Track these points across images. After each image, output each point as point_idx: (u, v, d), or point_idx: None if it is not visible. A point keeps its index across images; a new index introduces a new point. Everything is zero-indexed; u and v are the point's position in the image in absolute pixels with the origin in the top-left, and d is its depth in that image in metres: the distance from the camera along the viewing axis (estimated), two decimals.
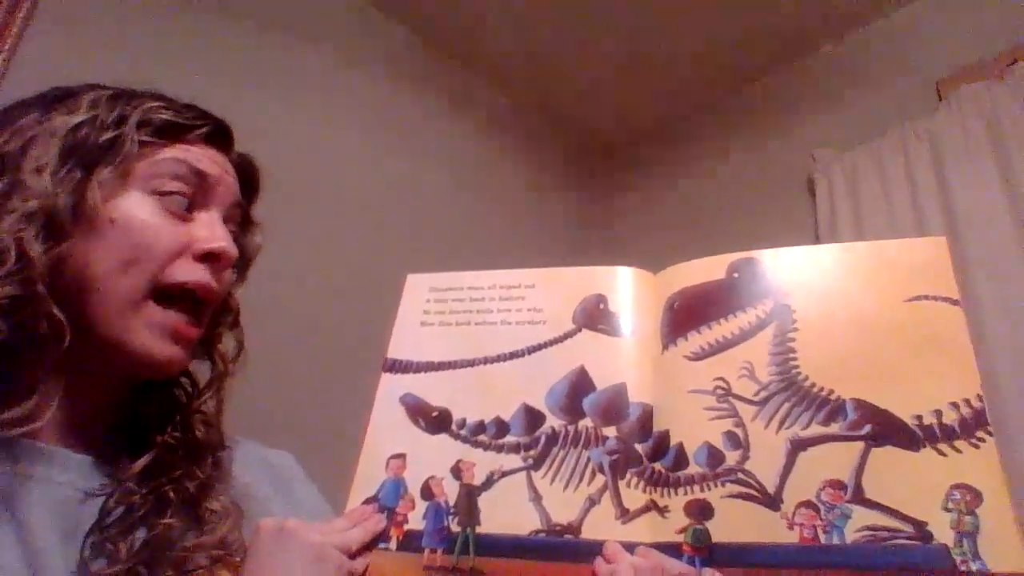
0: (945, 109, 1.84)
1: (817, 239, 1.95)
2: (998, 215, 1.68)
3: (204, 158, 0.66)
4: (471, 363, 0.64)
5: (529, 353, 0.63)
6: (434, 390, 0.64)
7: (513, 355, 0.64)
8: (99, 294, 0.59)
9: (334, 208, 1.84)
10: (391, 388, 0.65)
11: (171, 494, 0.60)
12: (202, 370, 0.69)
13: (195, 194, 0.65)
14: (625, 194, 2.63)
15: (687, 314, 0.61)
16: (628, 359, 0.61)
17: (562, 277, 0.68)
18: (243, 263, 0.73)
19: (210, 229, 0.64)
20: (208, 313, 0.66)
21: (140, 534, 0.58)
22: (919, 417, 0.52)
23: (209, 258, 0.63)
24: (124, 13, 1.56)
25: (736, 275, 0.62)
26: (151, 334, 0.60)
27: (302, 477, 0.75)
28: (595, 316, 0.64)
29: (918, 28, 1.99)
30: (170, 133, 0.65)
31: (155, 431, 0.64)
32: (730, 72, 2.33)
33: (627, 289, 0.65)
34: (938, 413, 0.52)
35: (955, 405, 0.52)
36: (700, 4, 2.10)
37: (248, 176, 0.74)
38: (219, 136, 0.70)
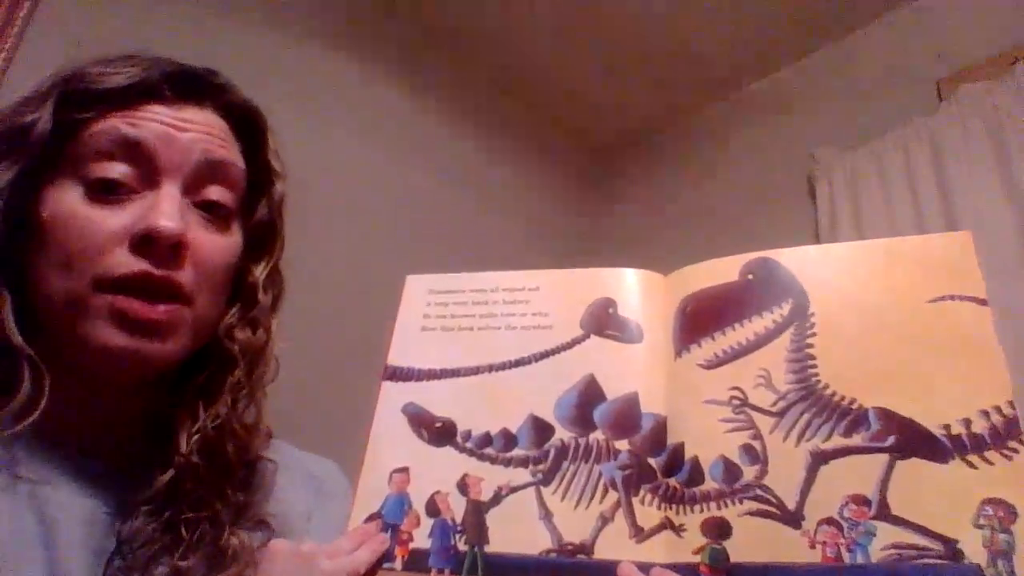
0: (945, 109, 1.84)
1: (817, 239, 1.95)
2: (998, 215, 1.67)
3: (140, 123, 0.56)
4: (475, 371, 0.61)
5: (536, 361, 0.60)
6: (437, 399, 0.61)
7: (519, 362, 0.61)
8: (45, 298, 0.54)
9: (331, 209, 1.82)
10: (392, 397, 0.62)
11: (183, 531, 0.54)
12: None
13: (135, 173, 0.55)
14: (625, 194, 2.62)
15: (700, 319, 0.58)
16: (639, 367, 0.58)
17: (568, 279, 0.65)
18: (264, 227, 0.64)
19: (146, 209, 0.54)
20: (182, 291, 0.55)
21: (161, 567, 0.53)
22: (947, 427, 0.49)
23: (146, 242, 0.53)
24: (126, 13, 1.54)
25: (751, 277, 0.59)
26: (102, 324, 0.53)
27: (343, 493, 0.67)
28: (604, 321, 0.61)
29: (918, 28, 1.99)
30: (107, 101, 0.55)
31: (179, 445, 0.56)
32: (730, 72, 2.32)
33: (637, 292, 0.62)
34: (967, 422, 0.49)
35: (985, 413, 0.48)
36: (700, 4, 2.09)
37: (245, 123, 0.63)
38: (179, 86, 0.59)
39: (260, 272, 0.63)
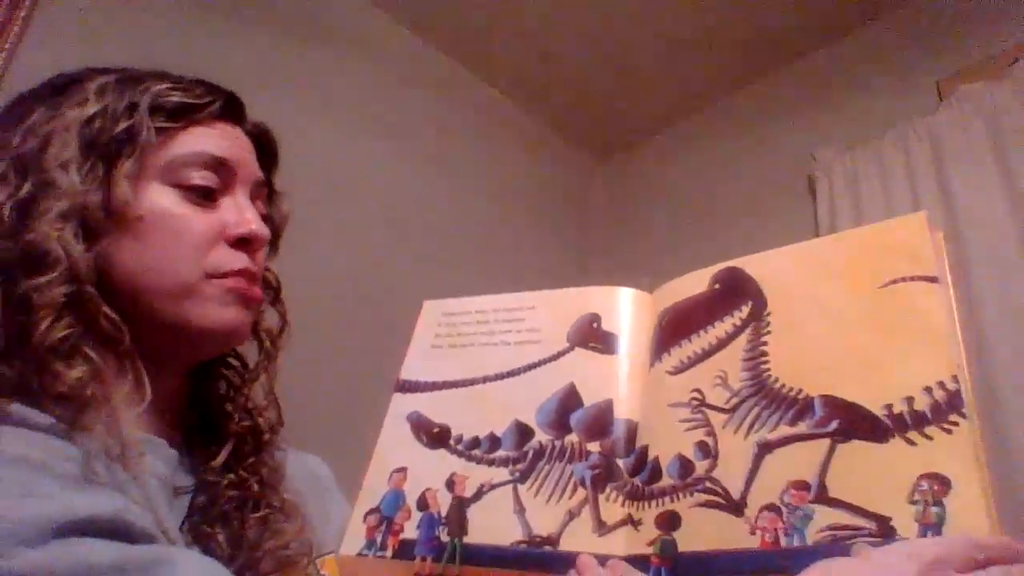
0: (945, 109, 1.83)
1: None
2: (999, 215, 1.67)
3: (222, 141, 0.65)
4: (471, 382, 0.67)
5: (524, 371, 0.65)
6: (437, 408, 0.67)
7: (510, 374, 0.66)
8: (148, 289, 0.60)
9: (328, 209, 1.84)
10: (400, 407, 0.69)
11: (254, 487, 0.63)
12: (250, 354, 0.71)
13: (219, 181, 0.64)
14: (625, 194, 2.63)
15: (672, 330, 0.62)
16: (617, 376, 0.62)
17: (561, 298, 0.70)
18: (273, 235, 0.72)
19: (238, 213, 0.64)
20: (259, 286, 0.66)
21: (227, 529, 0.60)
22: (889, 406, 0.49)
23: (243, 242, 0.63)
24: (127, 12, 1.57)
25: (717, 286, 0.62)
26: (213, 305, 0.61)
27: (335, 487, 0.78)
28: (588, 334, 0.65)
29: (918, 28, 1.98)
30: (183, 114, 0.64)
31: (226, 420, 0.65)
32: (730, 72, 2.33)
33: (621, 308, 0.66)
34: (909, 400, 0.48)
35: (928, 390, 0.48)
36: (700, 4, 2.09)
37: (264, 145, 0.73)
38: (231, 109, 0.69)
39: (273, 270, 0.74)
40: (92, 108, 0.60)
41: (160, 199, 0.61)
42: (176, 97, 0.64)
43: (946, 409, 0.47)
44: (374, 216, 1.97)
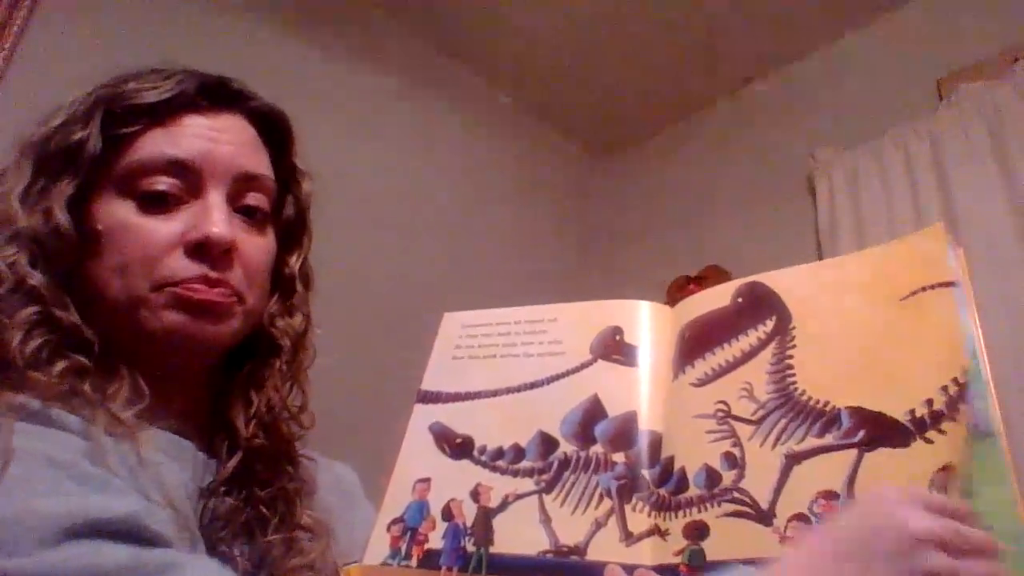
0: (945, 109, 1.84)
1: (817, 239, 1.96)
2: (999, 214, 1.68)
3: (184, 140, 0.61)
4: (494, 393, 0.67)
5: (548, 383, 0.66)
6: (460, 419, 0.67)
7: (533, 385, 0.66)
8: (109, 301, 0.59)
9: (329, 209, 1.83)
10: (422, 417, 0.68)
11: (263, 509, 0.60)
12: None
13: (181, 184, 0.60)
14: (625, 194, 2.63)
15: (695, 343, 0.62)
16: (640, 388, 0.62)
17: (583, 311, 0.70)
18: (293, 224, 0.69)
19: (197, 217, 0.60)
20: (235, 291, 0.61)
21: (245, 545, 0.59)
22: (911, 411, 0.50)
23: (202, 249, 0.59)
24: (127, 12, 1.56)
25: (740, 300, 0.63)
26: (165, 312, 0.58)
27: (361, 495, 0.76)
28: (611, 347, 0.65)
29: (918, 28, 1.99)
30: (139, 117, 0.60)
31: (235, 432, 0.63)
32: (730, 72, 2.33)
33: (643, 321, 0.67)
34: (929, 402, 0.50)
35: (944, 388, 0.49)
36: (699, 4, 2.09)
37: (272, 126, 0.69)
38: (214, 96, 0.64)
39: (294, 264, 0.70)
40: (52, 125, 0.60)
41: (117, 211, 0.59)
42: (131, 100, 0.60)
43: (957, 401, 0.49)
44: (374, 215, 1.96)
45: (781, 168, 2.14)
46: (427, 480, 0.64)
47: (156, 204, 0.59)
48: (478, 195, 2.27)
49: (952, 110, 1.82)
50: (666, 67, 2.34)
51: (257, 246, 0.64)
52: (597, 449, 0.60)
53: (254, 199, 0.64)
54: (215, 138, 0.62)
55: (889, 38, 2.05)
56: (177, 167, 0.60)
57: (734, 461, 0.55)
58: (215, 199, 0.61)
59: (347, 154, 1.94)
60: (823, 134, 2.06)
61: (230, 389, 0.65)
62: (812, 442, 0.53)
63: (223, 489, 0.60)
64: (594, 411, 0.62)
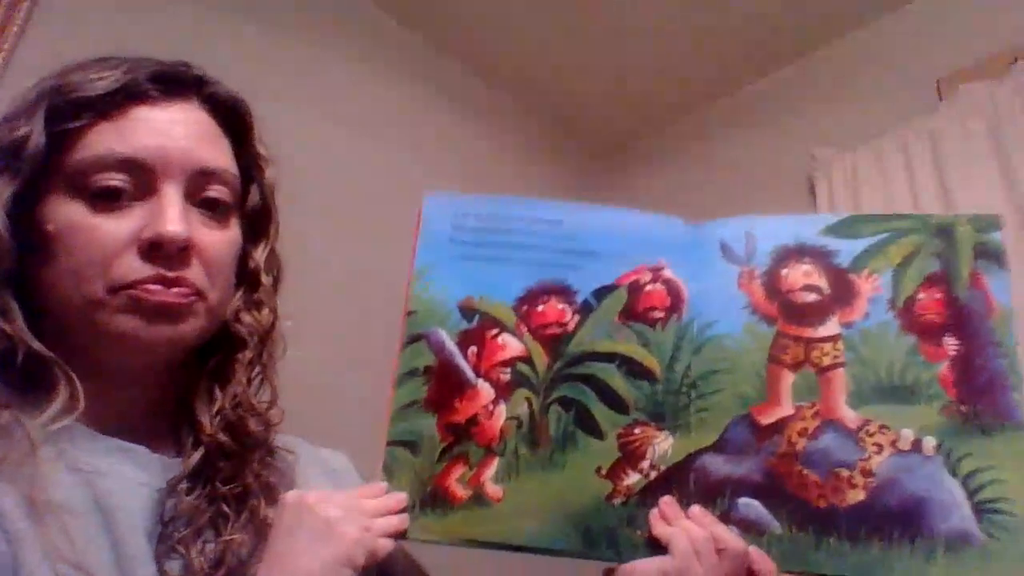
0: (945, 109, 1.84)
1: None
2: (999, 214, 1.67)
3: (135, 135, 0.58)
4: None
5: None
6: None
7: None
8: (59, 305, 0.57)
9: (328, 207, 1.83)
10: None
11: (224, 507, 0.58)
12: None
13: (133, 181, 0.57)
14: (625, 194, 2.63)
15: None
16: None
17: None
18: (259, 214, 0.67)
19: (151, 215, 0.57)
20: (195, 289, 0.59)
21: (210, 543, 0.57)
22: None
23: (157, 249, 0.56)
24: (126, 12, 1.55)
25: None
26: (121, 316, 0.56)
27: (354, 478, 0.74)
28: None
29: (918, 28, 1.99)
30: (86, 110, 0.57)
31: (196, 428, 0.61)
32: (730, 72, 2.33)
33: None
34: None
35: None
36: (699, 4, 2.09)
37: (230, 112, 0.66)
38: (164, 85, 0.60)
39: (260, 256, 0.67)
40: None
41: (67, 212, 0.56)
42: (76, 92, 0.57)
43: None
44: (374, 215, 1.96)
45: (781, 168, 2.13)
46: None
47: (108, 202, 0.57)
48: (476, 194, 2.27)
49: (952, 110, 1.82)
50: (666, 67, 2.33)
51: (218, 240, 0.61)
52: None
53: (215, 192, 0.62)
54: (168, 132, 0.59)
55: (889, 38, 2.05)
56: (128, 165, 0.57)
57: None
58: (170, 195, 0.58)
59: (346, 154, 1.94)
60: (823, 134, 2.06)
61: (196, 386, 0.63)
62: None
63: (185, 486, 0.58)
64: None
